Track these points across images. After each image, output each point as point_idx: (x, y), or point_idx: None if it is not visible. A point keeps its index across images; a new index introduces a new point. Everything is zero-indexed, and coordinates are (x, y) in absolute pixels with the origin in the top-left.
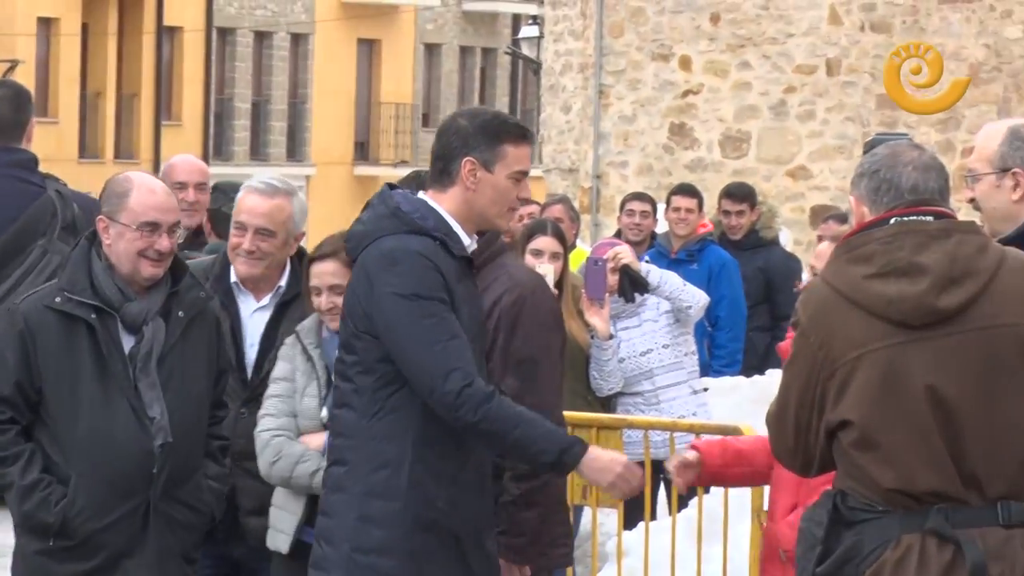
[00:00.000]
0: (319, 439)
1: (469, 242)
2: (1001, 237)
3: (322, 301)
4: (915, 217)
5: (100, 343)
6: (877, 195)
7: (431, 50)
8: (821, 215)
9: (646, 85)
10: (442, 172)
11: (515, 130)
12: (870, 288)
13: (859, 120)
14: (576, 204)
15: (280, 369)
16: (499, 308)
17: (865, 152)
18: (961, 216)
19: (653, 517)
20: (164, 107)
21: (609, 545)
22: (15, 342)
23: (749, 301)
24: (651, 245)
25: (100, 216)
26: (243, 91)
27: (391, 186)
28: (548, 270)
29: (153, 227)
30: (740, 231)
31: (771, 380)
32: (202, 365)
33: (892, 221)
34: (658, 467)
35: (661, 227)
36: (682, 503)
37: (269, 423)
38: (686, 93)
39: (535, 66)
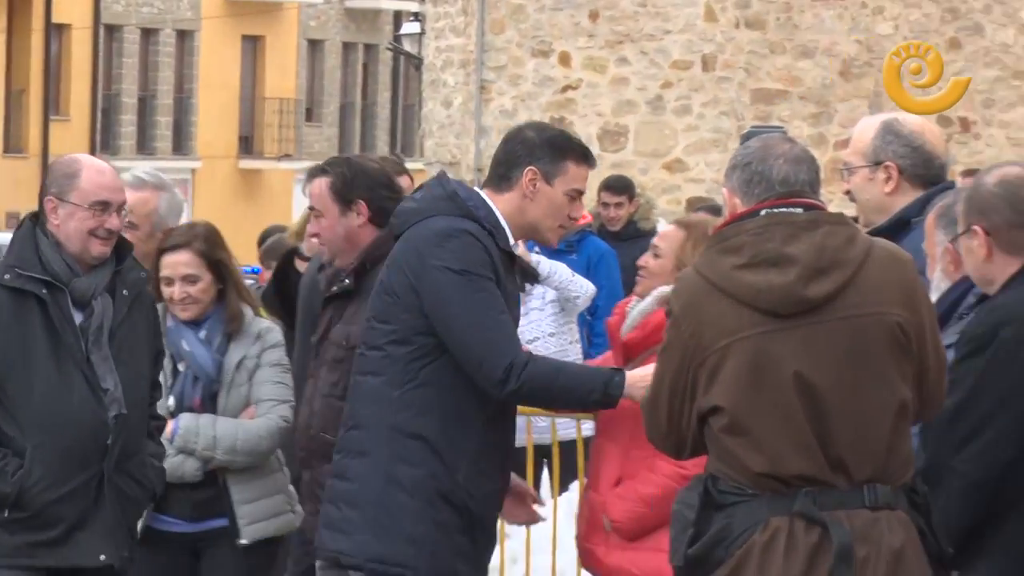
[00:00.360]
0: (167, 426)
1: (513, 243)
2: (873, 228)
3: (175, 291)
4: (784, 209)
5: (52, 318)
6: (749, 187)
7: (314, 46)
8: (696, 205)
9: (526, 80)
10: (502, 177)
11: (579, 149)
12: (740, 278)
13: (734, 114)
14: None
15: None
16: None
17: (741, 145)
18: (834, 208)
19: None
20: (52, 102)
21: None
22: None
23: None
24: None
25: (48, 196)
26: (130, 86)
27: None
28: None
29: (104, 206)
30: (618, 222)
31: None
32: (144, 343)
33: (762, 213)
34: (540, 452)
35: None
36: (563, 487)
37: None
38: (565, 88)
39: (417, 62)
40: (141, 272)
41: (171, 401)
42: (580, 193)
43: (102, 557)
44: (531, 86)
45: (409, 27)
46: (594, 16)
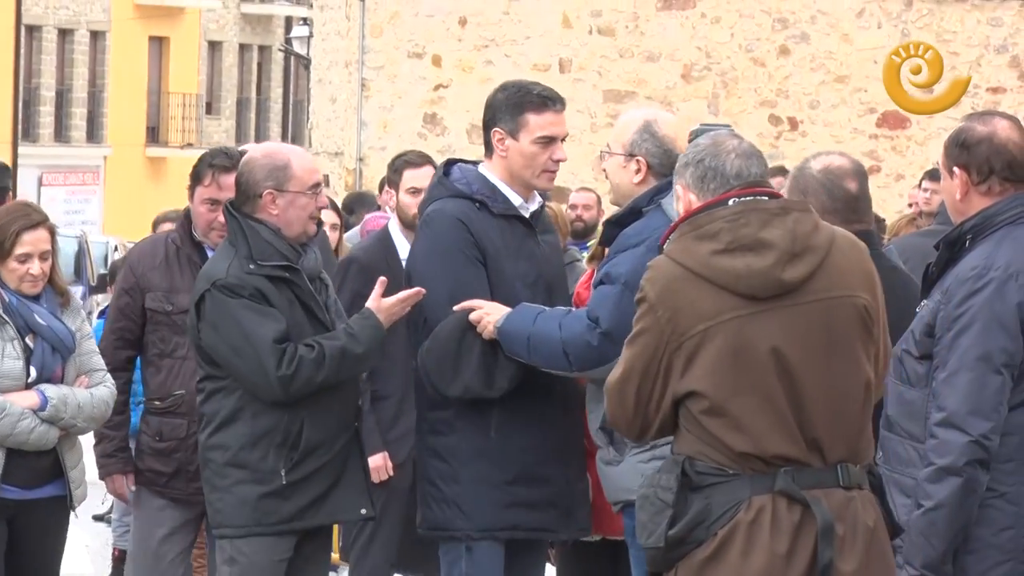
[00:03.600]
0: (30, 398)
1: (521, 202)
2: (618, 211)
3: (32, 267)
4: (753, 197)
5: (301, 297)
6: (703, 183)
7: (214, 47)
8: (553, 194)
9: (403, 79)
10: (486, 145)
11: (536, 100)
12: (718, 263)
13: (587, 112)
14: (342, 183)
15: None
16: None
17: (689, 142)
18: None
19: None
20: None
21: None
22: (258, 301)
23: None
24: None
25: (268, 190)
26: (48, 81)
27: (452, 160)
28: (330, 239)
29: (317, 187)
30: None
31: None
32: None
33: (731, 202)
34: None
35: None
36: None
37: None
38: (437, 87)
39: (306, 62)
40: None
41: (33, 373)
42: (550, 139)
43: (363, 511)
44: (407, 84)
45: (299, 30)
46: (463, 22)
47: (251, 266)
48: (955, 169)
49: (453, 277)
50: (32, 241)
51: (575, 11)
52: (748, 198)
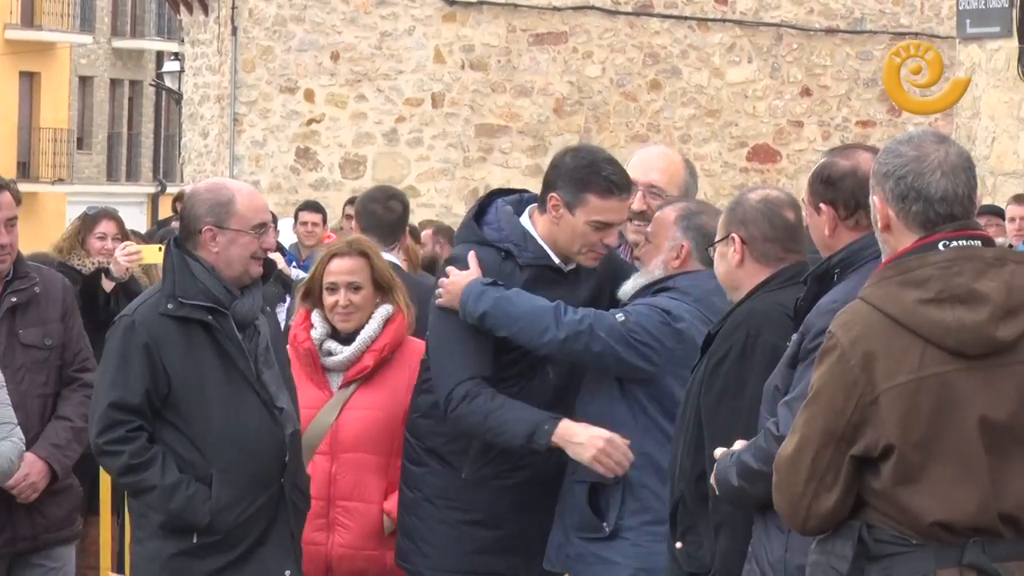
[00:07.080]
0: None
1: (547, 252)
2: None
3: None
4: (966, 242)
5: (221, 343)
6: (904, 203)
7: (85, 82)
8: (426, 227)
9: (275, 114)
10: (541, 199)
11: (602, 183)
12: (926, 314)
13: (460, 146)
14: None
15: None
16: None
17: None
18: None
19: None
20: None
21: None
22: (140, 353)
23: None
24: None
25: (207, 226)
26: None
27: (496, 192)
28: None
29: (262, 227)
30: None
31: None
32: (283, 356)
33: (940, 246)
34: None
35: (288, 238)
36: None
37: None
38: (310, 122)
39: (177, 96)
40: (273, 287)
41: None
42: (606, 224)
43: (287, 572)
44: (279, 119)
45: (170, 65)
46: (335, 57)
47: (169, 305)
48: (822, 206)
49: (460, 338)
50: None
51: (447, 46)
52: (961, 242)
